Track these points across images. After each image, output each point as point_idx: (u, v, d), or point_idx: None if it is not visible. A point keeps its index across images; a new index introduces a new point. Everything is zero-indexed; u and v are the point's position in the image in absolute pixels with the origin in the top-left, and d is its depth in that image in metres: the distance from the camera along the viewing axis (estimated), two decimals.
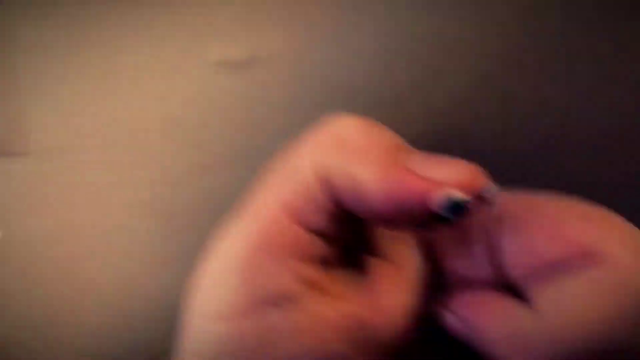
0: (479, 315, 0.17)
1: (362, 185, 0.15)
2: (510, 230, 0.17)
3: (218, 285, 0.16)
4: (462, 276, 0.19)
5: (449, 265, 0.19)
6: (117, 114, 0.28)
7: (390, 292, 0.18)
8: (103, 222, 0.29)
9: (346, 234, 0.18)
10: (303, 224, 0.17)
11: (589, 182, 0.25)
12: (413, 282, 0.18)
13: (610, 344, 0.15)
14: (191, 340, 0.17)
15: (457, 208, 0.15)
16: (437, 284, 0.19)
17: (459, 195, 0.15)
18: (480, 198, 0.15)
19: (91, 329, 0.28)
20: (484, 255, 0.18)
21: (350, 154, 0.16)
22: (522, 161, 0.26)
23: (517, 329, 0.16)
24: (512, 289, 0.18)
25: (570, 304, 0.16)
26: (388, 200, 0.15)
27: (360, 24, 0.27)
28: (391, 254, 0.19)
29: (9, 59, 0.28)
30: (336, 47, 0.27)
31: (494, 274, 0.18)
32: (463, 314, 0.18)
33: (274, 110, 0.28)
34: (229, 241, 0.17)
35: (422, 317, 0.18)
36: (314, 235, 0.17)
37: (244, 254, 0.16)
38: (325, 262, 0.17)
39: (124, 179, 0.29)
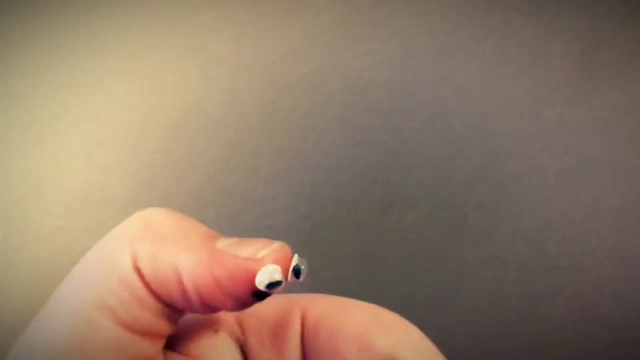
0: None
1: (187, 271, 0.16)
2: (324, 336, 0.18)
3: None
4: None
5: None
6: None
7: None
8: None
9: (169, 330, 0.17)
10: (122, 324, 0.16)
11: None
12: None
13: None
14: None
15: (276, 283, 0.16)
16: None
17: (278, 269, 0.16)
18: (292, 272, 0.17)
19: None
20: (296, 354, 0.19)
21: (170, 243, 0.16)
22: None
23: None
24: None
25: None
26: (213, 282, 0.16)
27: None
28: (205, 352, 0.18)
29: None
30: None
31: None
32: None
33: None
34: (38, 344, 0.16)
35: None
36: (136, 335, 0.16)
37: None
38: None
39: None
